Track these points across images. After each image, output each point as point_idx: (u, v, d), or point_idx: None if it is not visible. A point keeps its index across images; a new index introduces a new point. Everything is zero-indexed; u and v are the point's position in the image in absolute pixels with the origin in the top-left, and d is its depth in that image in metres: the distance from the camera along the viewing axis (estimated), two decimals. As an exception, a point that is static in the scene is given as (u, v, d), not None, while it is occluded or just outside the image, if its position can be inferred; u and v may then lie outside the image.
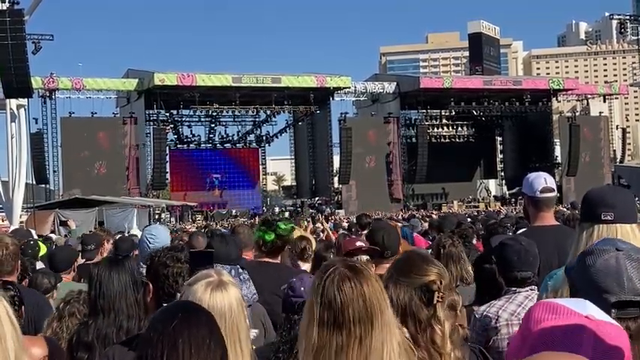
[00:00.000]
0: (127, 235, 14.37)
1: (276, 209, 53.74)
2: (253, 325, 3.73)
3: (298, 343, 2.24)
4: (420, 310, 2.60)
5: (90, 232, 13.35)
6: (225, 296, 2.63)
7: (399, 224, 12.43)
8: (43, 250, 8.71)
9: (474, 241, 8.50)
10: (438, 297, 2.64)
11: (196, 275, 2.80)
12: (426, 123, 59.79)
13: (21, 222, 32.42)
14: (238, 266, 4.35)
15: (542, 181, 4.77)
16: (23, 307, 4.29)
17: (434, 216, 21.97)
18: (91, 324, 3.68)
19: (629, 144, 69.11)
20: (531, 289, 3.86)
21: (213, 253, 3.52)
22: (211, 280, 2.70)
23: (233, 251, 4.72)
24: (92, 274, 3.82)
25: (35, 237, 11.98)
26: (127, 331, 3.56)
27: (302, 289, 3.58)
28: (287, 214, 48.22)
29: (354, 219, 18.65)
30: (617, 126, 70.58)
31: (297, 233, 7.70)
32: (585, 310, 1.39)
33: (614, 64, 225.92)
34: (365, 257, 4.55)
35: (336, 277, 2.15)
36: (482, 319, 3.83)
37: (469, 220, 13.57)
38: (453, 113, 62.00)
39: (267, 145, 63.78)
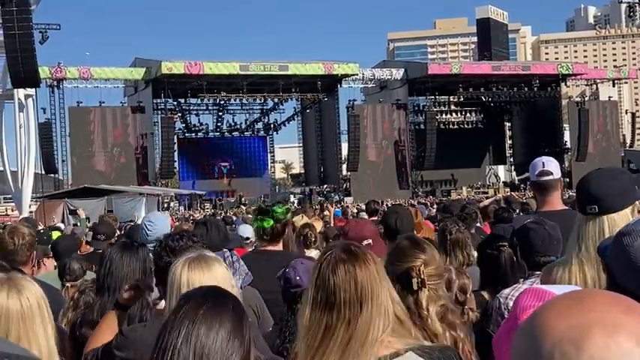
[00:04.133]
0: (133, 223, 14.39)
1: (291, 197, 53.66)
2: None
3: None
4: (403, 297, 2.62)
5: (102, 217, 13.29)
6: (205, 274, 2.59)
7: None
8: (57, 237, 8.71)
9: (479, 224, 8.53)
10: (417, 283, 2.70)
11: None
12: (435, 109, 59.56)
13: (30, 211, 32.58)
14: (224, 250, 4.33)
15: (540, 164, 4.84)
16: None
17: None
18: (97, 302, 3.74)
19: (639, 128, 68.73)
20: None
21: None
22: (190, 257, 2.68)
23: (215, 238, 4.74)
24: (104, 253, 3.89)
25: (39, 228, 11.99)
26: (129, 315, 3.55)
27: (297, 278, 3.58)
28: (295, 202, 48.28)
29: (363, 206, 18.64)
30: (626, 110, 70.28)
31: (302, 221, 7.71)
32: None
33: (624, 48, 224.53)
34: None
35: (331, 261, 2.19)
36: (506, 302, 3.81)
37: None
38: (462, 99, 61.73)
39: (275, 133, 63.79)
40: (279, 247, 5.22)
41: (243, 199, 53.38)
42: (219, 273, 2.61)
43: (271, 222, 5.08)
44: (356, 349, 2.11)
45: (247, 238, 7.14)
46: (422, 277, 2.73)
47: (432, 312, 2.68)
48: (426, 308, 2.67)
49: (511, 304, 3.76)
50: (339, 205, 31.61)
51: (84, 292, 4.51)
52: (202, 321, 1.95)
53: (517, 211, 9.52)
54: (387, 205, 21.97)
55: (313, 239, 7.05)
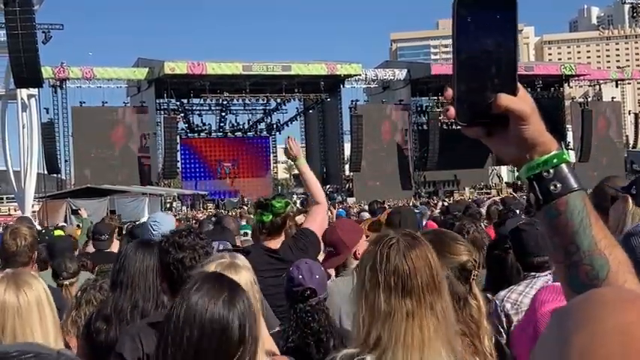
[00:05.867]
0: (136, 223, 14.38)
1: (294, 197, 53.58)
2: None
3: (356, 310, 2.29)
4: (458, 288, 2.73)
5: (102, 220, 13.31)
6: (234, 277, 2.63)
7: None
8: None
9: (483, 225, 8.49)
10: (474, 275, 2.79)
11: (211, 257, 2.87)
12: (438, 109, 59.36)
13: (33, 211, 32.60)
14: (227, 242, 4.31)
15: None
16: None
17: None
18: (110, 297, 3.73)
19: (642, 129, 68.68)
20: (550, 274, 3.82)
21: None
22: (222, 262, 2.75)
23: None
24: (120, 250, 3.96)
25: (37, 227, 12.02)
26: (142, 310, 3.57)
27: (300, 277, 3.56)
28: (298, 202, 48.23)
29: (366, 206, 18.66)
30: (629, 111, 70.18)
31: (302, 219, 7.71)
32: None
33: (627, 49, 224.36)
34: None
35: (401, 246, 2.26)
36: (503, 304, 3.78)
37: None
38: (465, 99, 61.55)
39: (277, 133, 63.65)
40: (279, 241, 5.16)
41: (245, 200, 53.31)
42: (247, 280, 2.65)
43: (270, 216, 5.05)
44: (449, 336, 2.21)
45: (246, 234, 7.22)
46: (476, 269, 2.82)
47: (482, 302, 2.79)
48: (479, 298, 2.77)
49: (507, 305, 3.74)
50: (342, 206, 31.57)
51: (85, 290, 4.50)
52: (229, 308, 2.05)
53: (517, 211, 9.42)
54: (388, 205, 22.00)
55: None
